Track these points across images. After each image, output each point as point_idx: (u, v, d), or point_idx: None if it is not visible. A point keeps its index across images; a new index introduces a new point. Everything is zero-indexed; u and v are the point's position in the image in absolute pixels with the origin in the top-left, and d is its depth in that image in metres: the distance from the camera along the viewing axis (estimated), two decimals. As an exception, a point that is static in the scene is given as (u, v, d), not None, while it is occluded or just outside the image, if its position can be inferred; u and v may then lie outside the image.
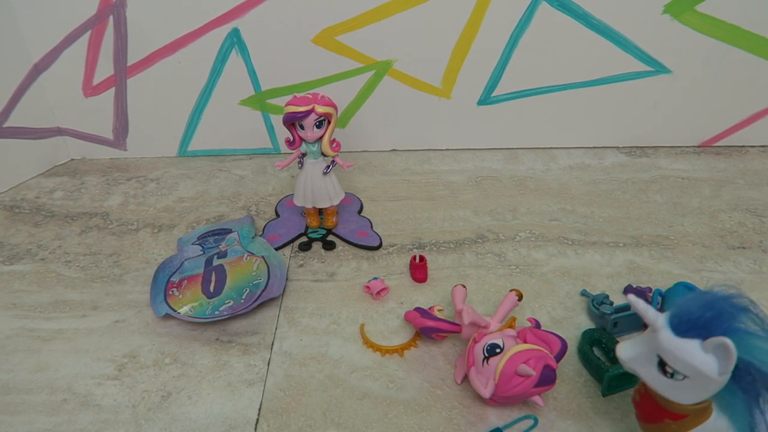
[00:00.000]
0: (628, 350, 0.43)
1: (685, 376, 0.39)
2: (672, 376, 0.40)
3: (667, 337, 0.40)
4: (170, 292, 0.70)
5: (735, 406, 0.40)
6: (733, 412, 0.40)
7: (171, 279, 0.73)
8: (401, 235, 0.83)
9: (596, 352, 0.60)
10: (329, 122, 0.75)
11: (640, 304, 0.42)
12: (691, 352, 0.39)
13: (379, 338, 0.65)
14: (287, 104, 0.73)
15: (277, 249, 0.80)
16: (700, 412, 0.41)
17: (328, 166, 0.79)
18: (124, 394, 0.58)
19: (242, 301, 0.68)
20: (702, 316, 0.39)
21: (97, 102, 1.05)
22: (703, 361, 0.38)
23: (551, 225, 0.85)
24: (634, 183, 0.96)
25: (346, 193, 0.87)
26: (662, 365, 0.40)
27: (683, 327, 0.40)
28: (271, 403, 0.57)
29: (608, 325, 0.62)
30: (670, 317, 0.41)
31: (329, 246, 0.81)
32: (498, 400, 0.53)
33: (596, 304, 0.65)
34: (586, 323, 0.66)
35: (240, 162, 1.08)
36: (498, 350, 0.53)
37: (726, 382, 0.39)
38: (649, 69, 0.99)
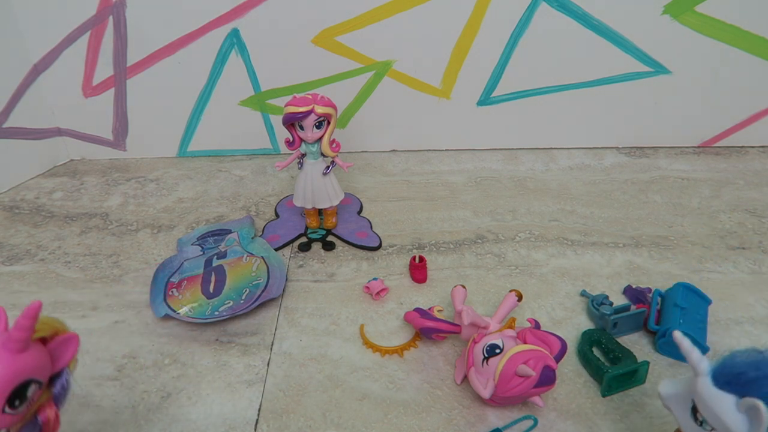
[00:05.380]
0: (668, 387, 0.42)
1: (713, 428, 0.38)
2: (702, 424, 0.39)
3: (704, 385, 0.38)
4: (170, 293, 0.70)
5: None
6: None
7: (171, 279, 0.73)
8: (401, 236, 0.83)
9: (596, 352, 0.60)
10: (329, 123, 0.75)
11: (686, 344, 0.41)
12: (724, 407, 0.37)
13: (379, 339, 0.65)
14: (287, 105, 0.73)
15: (276, 249, 0.80)
16: None
17: (328, 167, 0.79)
18: (124, 394, 0.58)
19: (242, 301, 0.68)
20: (745, 373, 0.37)
21: (96, 102, 1.05)
22: (734, 419, 0.36)
23: (551, 225, 0.85)
24: (633, 183, 0.96)
25: (345, 193, 0.87)
26: (695, 410, 0.40)
27: (723, 379, 0.38)
28: (270, 404, 0.57)
29: (608, 325, 0.62)
30: (715, 366, 0.39)
31: (329, 246, 0.81)
32: (498, 400, 0.53)
33: (596, 304, 0.65)
34: (586, 324, 0.66)
35: (240, 162, 1.08)
36: (497, 351, 0.53)
37: None
38: (649, 69, 0.99)
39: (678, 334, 0.41)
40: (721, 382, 0.38)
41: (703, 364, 0.39)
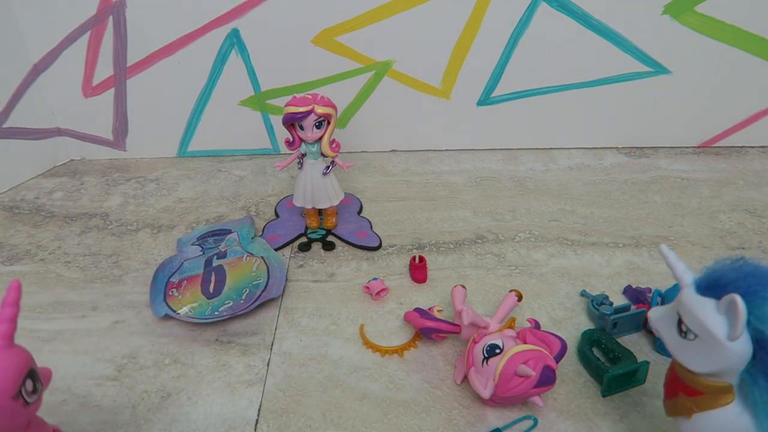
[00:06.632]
0: (657, 311, 0.43)
1: (696, 336, 0.38)
2: (686, 335, 0.39)
3: (687, 293, 0.40)
4: (170, 293, 0.70)
5: (760, 402, 0.37)
6: (758, 409, 0.37)
7: (170, 279, 0.73)
8: (401, 236, 0.83)
9: (596, 352, 0.60)
10: (329, 123, 0.75)
11: (671, 258, 0.42)
12: (705, 309, 0.38)
13: (379, 339, 0.64)
14: (287, 105, 0.73)
15: (276, 249, 0.80)
16: (717, 393, 0.39)
17: (328, 167, 0.79)
18: (124, 394, 0.58)
19: (242, 301, 0.68)
20: (725, 275, 0.38)
21: (96, 102, 1.05)
22: (714, 320, 0.37)
23: (551, 225, 0.85)
24: (633, 183, 0.96)
25: (345, 193, 0.87)
26: (680, 324, 0.40)
27: (705, 285, 0.39)
28: (270, 404, 0.57)
29: (608, 325, 0.62)
30: (698, 276, 0.40)
31: (329, 246, 0.81)
32: (498, 400, 0.53)
33: (596, 304, 0.65)
34: (586, 324, 0.66)
35: (239, 162, 1.08)
36: (497, 351, 0.53)
37: (740, 357, 0.37)
38: (649, 69, 0.99)
39: (664, 248, 0.43)
40: (703, 289, 0.39)
41: (687, 275, 0.41)
